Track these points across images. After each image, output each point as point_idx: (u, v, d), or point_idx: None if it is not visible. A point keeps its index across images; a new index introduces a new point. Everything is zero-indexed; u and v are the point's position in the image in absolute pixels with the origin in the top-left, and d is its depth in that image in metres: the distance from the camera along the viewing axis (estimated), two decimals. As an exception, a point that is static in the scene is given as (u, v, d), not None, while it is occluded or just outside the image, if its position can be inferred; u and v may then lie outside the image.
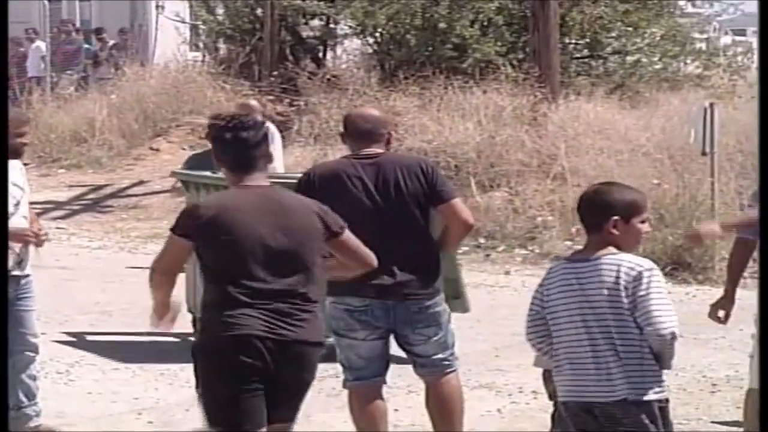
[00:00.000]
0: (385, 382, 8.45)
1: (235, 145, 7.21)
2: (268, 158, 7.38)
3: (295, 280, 7.05)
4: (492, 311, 13.37)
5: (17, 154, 9.68)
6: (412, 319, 8.24)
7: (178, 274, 7.28)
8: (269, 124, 13.39)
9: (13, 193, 9.46)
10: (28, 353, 9.56)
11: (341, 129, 8.91)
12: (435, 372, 8.37)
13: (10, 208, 9.39)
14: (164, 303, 7.17)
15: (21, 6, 33.39)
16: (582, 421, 6.22)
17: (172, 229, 7.20)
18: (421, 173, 8.27)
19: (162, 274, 7.14)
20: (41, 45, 31.28)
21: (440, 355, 8.35)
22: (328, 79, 25.29)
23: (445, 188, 8.38)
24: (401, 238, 7.99)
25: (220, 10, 29.13)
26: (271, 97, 25.35)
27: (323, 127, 22.66)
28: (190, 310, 11.67)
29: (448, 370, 8.36)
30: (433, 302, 8.27)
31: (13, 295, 9.37)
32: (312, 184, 8.27)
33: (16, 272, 9.41)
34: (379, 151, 8.47)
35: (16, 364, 9.43)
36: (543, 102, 21.03)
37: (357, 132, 8.59)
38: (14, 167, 9.41)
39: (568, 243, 17.27)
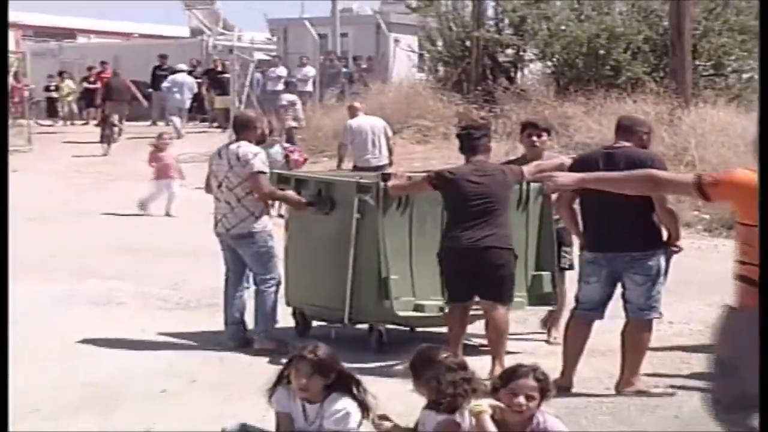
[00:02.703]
0: (599, 318, 8.33)
1: (463, 139, 8.89)
2: (487, 148, 8.89)
3: (489, 213, 8.45)
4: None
5: (262, 143, 9.93)
6: (626, 267, 8.10)
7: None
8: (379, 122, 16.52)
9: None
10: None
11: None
12: (633, 316, 8.20)
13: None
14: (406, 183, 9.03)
15: (297, 40, 33.94)
16: None
17: (428, 176, 8.82)
18: (638, 160, 7.97)
19: (400, 191, 8.89)
20: (311, 70, 31.65)
21: (642, 304, 8.09)
22: (517, 92, 25.17)
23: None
24: (620, 206, 7.76)
25: (439, 43, 29.16)
26: (475, 106, 25.26)
27: (513, 128, 22.47)
28: (288, 303, 9.93)
29: (645, 317, 8.15)
30: (643, 256, 8.05)
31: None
32: (572, 165, 8.61)
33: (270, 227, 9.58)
34: (626, 144, 8.28)
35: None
36: (678, 109, 20.71)
37: (617, 128, 8.53)
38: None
39: (696, 213, 16.97)
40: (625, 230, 8.05)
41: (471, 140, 8.82)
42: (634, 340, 8.17)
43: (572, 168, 8.44)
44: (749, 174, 5.32)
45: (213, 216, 9.71)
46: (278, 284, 9.56)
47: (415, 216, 9.06)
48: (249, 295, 9.69)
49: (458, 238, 8.47)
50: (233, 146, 9.54)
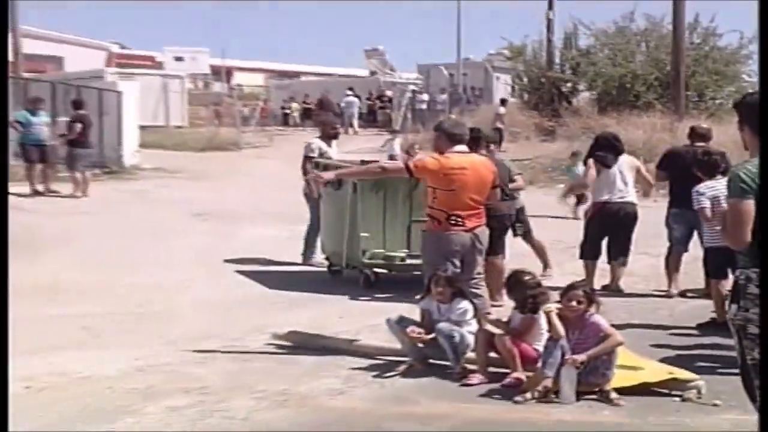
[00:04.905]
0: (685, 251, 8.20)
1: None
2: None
3: None
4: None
5: (334, 138, 9.59)
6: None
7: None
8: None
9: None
10: None
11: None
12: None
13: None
14: None
15: (435, 78, 33.78)
16: None
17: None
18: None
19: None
20: (445, 97, 31.62)
21: None
22: (573, 111, 24.75)
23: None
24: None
25: (525, 79, 28.81)
26: (546, 119, 25.11)
27: (570, 134, 22.18)
28: (323, 251, 9.09)
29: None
30: None
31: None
32: (663, 155, 8.38)
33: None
34: (701, 144, 8.01)
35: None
36: (675, 122, 20.05)
37: (692, 134, 8.35)
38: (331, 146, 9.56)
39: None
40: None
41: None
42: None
43: (664, 157, 8.21)
44: (433, 160, 6.00)
45: None
46: (311, 228, 9.38)
47: (389, 192, 8.16)
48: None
49: None
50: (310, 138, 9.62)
